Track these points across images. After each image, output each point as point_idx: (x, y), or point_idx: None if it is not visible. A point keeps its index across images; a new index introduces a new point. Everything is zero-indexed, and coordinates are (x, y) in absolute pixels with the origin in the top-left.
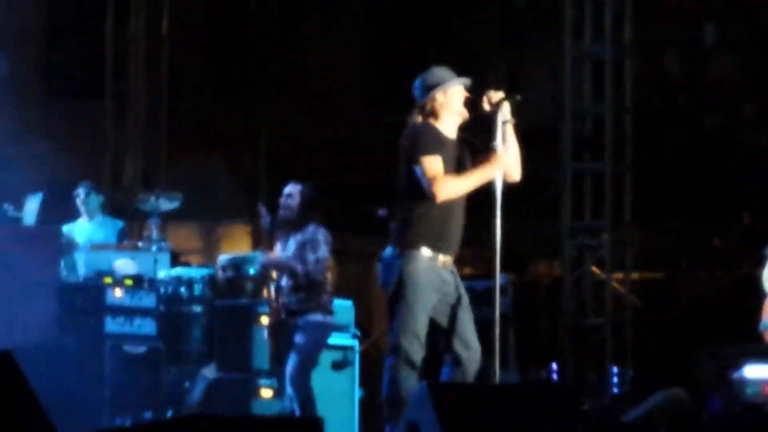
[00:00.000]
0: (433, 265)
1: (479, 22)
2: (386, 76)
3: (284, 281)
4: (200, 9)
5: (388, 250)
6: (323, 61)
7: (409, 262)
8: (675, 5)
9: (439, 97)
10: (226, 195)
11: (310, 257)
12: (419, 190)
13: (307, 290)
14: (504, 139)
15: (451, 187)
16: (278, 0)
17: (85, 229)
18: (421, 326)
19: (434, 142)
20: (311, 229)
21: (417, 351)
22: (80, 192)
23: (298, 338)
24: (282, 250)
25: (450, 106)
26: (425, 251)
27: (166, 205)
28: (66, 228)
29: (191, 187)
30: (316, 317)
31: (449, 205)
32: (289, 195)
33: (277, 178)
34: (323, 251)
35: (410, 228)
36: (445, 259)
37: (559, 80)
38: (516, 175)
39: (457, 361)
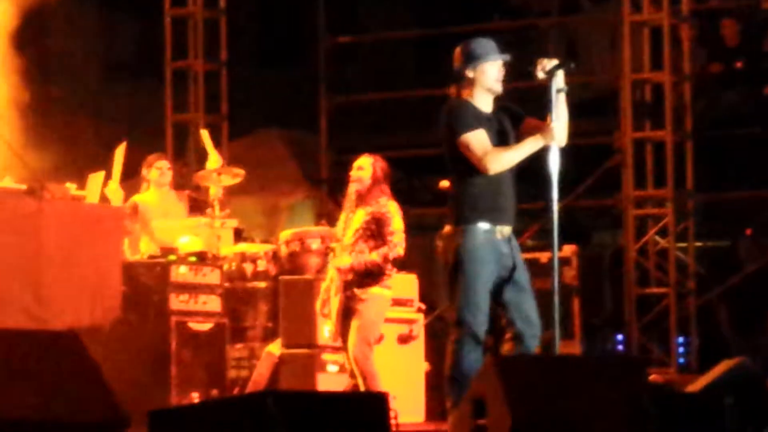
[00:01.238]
0: (490, 238)
1: None
2: (443, 49)
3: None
4: None
5: (446, 227)
6: (381, 34)
7: (467, 237)
8: None
9: (470, 72)
10: (287, 170)
11: (385, 231)
12: (466, 166)
13: (376, 268)
14: (557, 107)
15: (502, 159)
16: None
17: (158, 201)
18: (483, 300)
19: (472, 117)
20: (383, 201)
21: (481, 324)
22: (163, 164)
23: (359, 312)
24: (346, 222)
25: (482, 82)
26: (482, 224)
27: (228, 181)
28: (138, 198)
29: (253, 163)
30: (376, 290)
31: (498, 176)
32: (360, 167)
33: (337, 152)
34: (397, 223)
35: (464, 203)
36: (502, 230)
37: (618, 49)
38: (563, 141)
39: (518, 337)
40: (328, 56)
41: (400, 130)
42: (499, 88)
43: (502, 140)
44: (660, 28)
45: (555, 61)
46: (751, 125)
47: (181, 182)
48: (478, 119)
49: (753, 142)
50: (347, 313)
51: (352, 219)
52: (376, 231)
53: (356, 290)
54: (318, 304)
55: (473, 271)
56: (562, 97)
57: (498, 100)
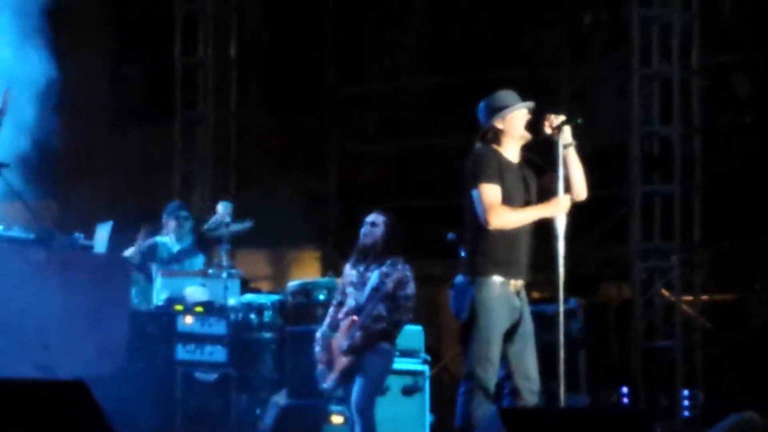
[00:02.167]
0: (505, 291)
1: (546, 42)
2: (454, 98)
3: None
4: (266, 34)
5: (460, 278)
6: (390, 84)
7: (482, 288)
8: (741, 26)
9: (499, 124)
10: (295, 221)
11: (400, 294)
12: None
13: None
14: (566, 163)
15: (505, 218)
16: (345, 26)
17: (172, 248)
18: (494, 353)
19: (494, 168)
20: (399, 266)
21: (491, 378)
22: (182, 213)
23: (366, 366)
24: (357, 277)
25: (511, 131)
26: (497, 278)
27: (236, 226)
28: (159, 240)
29: (261, 213)
30: (384, 345)
31: (516, 230)
32: (373, 224)
33: (346, 203)
34: (411, 288)
35: (479, 255)
36: (516, 284)
37: (627, 100)
38: (582, 194)
39: (516, 393)
40: (337, 106)
41: (407, 179)
42: (528, 135)
43: (525, 190)
44: (670, 81)
45: (562, 117)
46: (760, 178)
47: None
48: (501, 170)
49: (762, 195)
50: (353, 366)
51: (365, 276)
52: (392, 293)
53: (364, 348)
54: (319, 352)
55: (487, 324)
56: (572, 150)
57: (524, 150)
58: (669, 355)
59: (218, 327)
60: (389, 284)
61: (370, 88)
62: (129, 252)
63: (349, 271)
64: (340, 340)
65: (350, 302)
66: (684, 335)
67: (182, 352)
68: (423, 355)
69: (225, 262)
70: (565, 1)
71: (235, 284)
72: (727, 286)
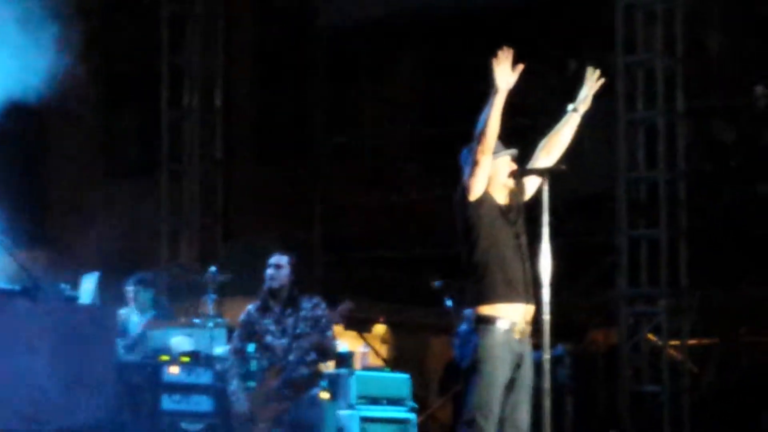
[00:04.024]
0: (508, 339)
1: (533, 90)
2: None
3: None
4: (252, 84)
5: (464, 326)
6: (377, 134)
7: (486, 336)
8: (725, 71)
9: None
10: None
11: (326, 336)
12: (477, 236)
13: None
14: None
15: (486, 128)
16: (331, 74)
17: (136, 322)
18: (495, 401)
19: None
20: (321, 308)
21: (491, 427)
22: (129, 289)
23: (299, 413)
24: (273, 323)
25: (494, 178)
26: (501, 324)
27: (223, 281)
28: (123, 312)
29: (247, 262)
30: (314, 390)
31: (506, 251)
32: (278, 265)
33: (332, 252)
34: (332, 330)
35: (480, 298)
36: (520, 329)
37: (613, 146)
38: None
39: None
40: (325, 156)
41: (394, 230)
42: (511, 183)
43: (515, 234)
44: (655, 126)
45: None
46: (746, 223)
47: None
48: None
49: (748, 240)
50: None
51: (283, 321)
52: (319, 336)
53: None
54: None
55: (490, 372)
56: (576, 116)
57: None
58: (656, 400)
59: (204, 377)
60: (318, 328)
61: (359, 139)
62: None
63: (259, 318)
64: (266, 389)
65: (273, 348)
66: (671, 380)
67: (168, 403)
68: (410, 402)
69: (211, 311)
70: (551, 48)
71: (221, 333)
72: (714, 330)
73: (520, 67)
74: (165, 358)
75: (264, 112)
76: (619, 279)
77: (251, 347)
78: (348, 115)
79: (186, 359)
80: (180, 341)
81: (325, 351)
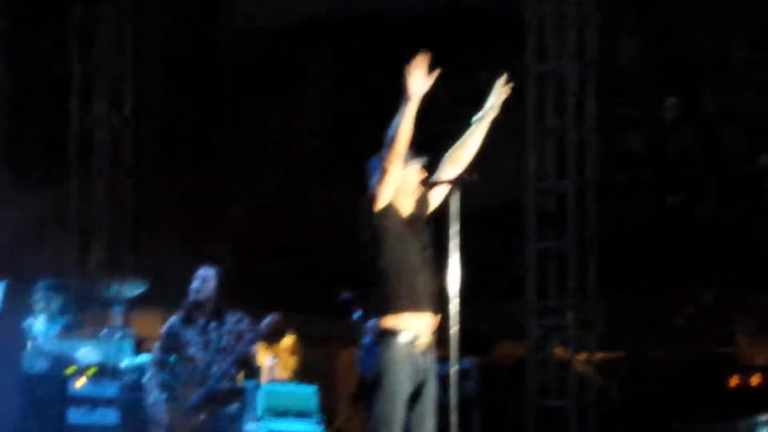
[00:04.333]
0: (410, 352)
1: (444, 99)
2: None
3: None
4: (162, 92)
5: (367, 339)
6: (287, 143)
7: (388, 349)
8: (637, 81)
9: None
10: (191, 280)
11: (249, 352)
12: (380, 256)
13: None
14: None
15: (397, 135)
16: (240, 84)
17: (47, 331)
18: (398, 415)
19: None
20: (245, 322)
21: None
22: (38, 295)
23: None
24: (196, 336)
25: (404, 187)
26: (403, 337)
27: (131, 292)
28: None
29: (156, 273)
30: (234, 404)
31: (411, 262)
32: (205, 279)
33: (241, 261)
34: (254, 347)
35: (383, 308)
36: (423, 342)
37: (522, 156)
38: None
39: None
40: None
41: (305, 238)
42: (421, 190)
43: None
44: (565, 136)
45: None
46: (654, 235)
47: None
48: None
49: (657, 251)
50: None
51: (207, 334)
52: (241, 351)
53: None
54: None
55: (392, 386)
56: (486, 120)
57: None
58: (563, 413)
59: (111, 389)
60: (242, 343)
61: (268, 147)
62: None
63: (182, 329)
64: (186, 401)
65: (195, 360)
66: (578, 393)
67: (74, 416)
68: (317, 415)
69: (118, 322)
70: (462, 58)
71: (128, 345)
72: (622, 343)
73: (437, 72)
74: (71, 370)
75: (174, 120)
76: (528, 290)
77: (172, 358)
78: (256, 123)
79: (92, 371)
80: (87, 353)
81: (248, 366)
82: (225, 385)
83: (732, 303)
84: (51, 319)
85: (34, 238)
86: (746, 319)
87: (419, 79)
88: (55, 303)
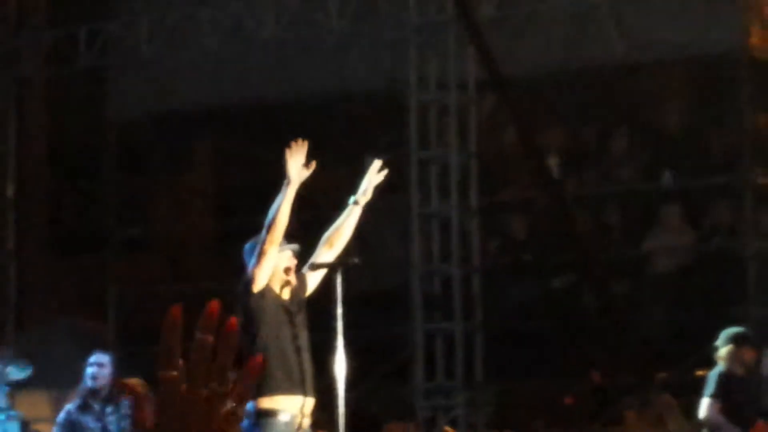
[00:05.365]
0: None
1: (327, 183)
2: (234, 239)
3: None
4: (46, 173)
5: (245, 422)
6: (172, 227)
7: (267, 430)
8: (520, 165)
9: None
10: (74, 362)
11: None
12: (256, 338)
13: None
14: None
15: (274, 223)
16: (127, 166)
17: None
18: None
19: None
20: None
21: None
22: None
23: None
24: (93, 422)
25: (275, 272)
26: (283, 416)
27: (16, 374)
28: None
29: (40, 354)
30: None
31: (286, 344)
32: (101, 364)
33: (125, 344)
34: None
35: (263, 390)
36: (300, 422)
37: (407, 241)
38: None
39: None
40: (119, 248)
41: (191, 322)
42: (292, 279)
43: (295, 328)
44: (449, 221)
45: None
46: (539, 317)
47: None
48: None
49: (541, 333)
50: None
51: (103, 419)
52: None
53: None
54: None
55: None
56: (358, 208)
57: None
58: None
59: None
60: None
61: (152, 230)
62: None
63: (79, 416)
64: None
65: None
66: None
67: None
68: None
69: (3, 403)
70: (345, 142)
71: (14, 427)
72: (510, 424)
73: (314, 164)
74: None
75: (58, 203)
76: (416, 372)
77: None
78: (141, 207)
79: None
80: None
81: None
82: None
83: (619, 382)
84: None
85: None
86: (633, 398)
87: (298, 165)
88: None
